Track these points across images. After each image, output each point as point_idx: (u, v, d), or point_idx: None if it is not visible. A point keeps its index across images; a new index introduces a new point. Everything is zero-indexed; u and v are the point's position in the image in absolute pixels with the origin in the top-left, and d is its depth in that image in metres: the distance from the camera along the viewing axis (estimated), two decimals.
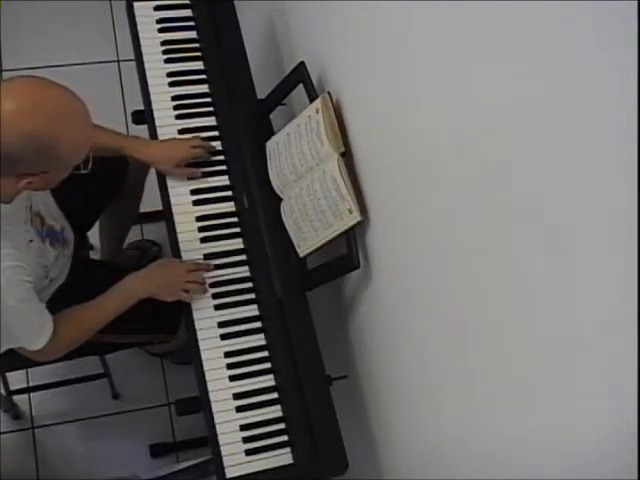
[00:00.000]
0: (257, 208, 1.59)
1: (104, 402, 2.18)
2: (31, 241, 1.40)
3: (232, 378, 1.48)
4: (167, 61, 1.74)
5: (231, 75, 1.71)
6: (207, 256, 1.59)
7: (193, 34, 1.78)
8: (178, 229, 1.60)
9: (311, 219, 1.46)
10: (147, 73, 1.72)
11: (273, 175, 1.57)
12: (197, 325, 1.52)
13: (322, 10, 1.51)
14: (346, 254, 1.41)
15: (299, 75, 1.53)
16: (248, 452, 1.43)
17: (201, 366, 1.48)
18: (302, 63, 1.52)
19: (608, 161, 0.69)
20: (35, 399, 2.16)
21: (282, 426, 1.47)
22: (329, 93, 1.44)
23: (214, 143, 1.68)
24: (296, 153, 1.49)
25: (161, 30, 1.77)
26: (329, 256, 1.48)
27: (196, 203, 1.63)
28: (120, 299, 1.52)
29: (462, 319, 1.09)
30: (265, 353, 1.52)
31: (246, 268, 1.59)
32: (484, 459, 1.09)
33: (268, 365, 1.51)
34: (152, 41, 1.75)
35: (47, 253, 1.48)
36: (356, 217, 1.37)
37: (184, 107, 1.71)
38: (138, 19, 1.77)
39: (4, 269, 1.28)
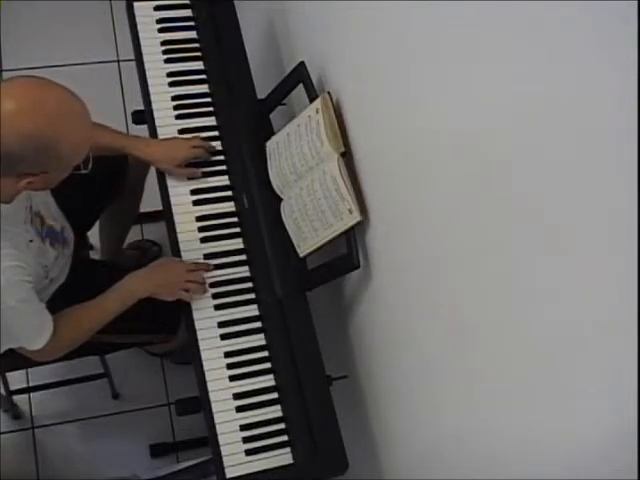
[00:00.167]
0: (257, 208, 1.59)
1: (104, 402, 2.18)
2: (31, 241, 1.40)
3: (232, 378, 1.48)
4: (167, 61, 1.74)
5: (231, 75, 1.71)
6: (207, 256, 1.59)
7: (193, 34, 1.78)
8: (178, 229, 1.60)
9: (311, 219, 1.46)
10: (147, 73, 1.72)
11: (273, 175, 1.57)
12: (197, 325, 1.52)
13: (322, 10, 1.51)
14: (346, 254, 1.41)
15: (299, 75, 1.53)
16: (248, 452, 1.43)
17: (201, 366, 1.48)
18: (302, 63, 1.52)
19: (608, 161, 0.69)
20: (35, 399, 2.16)
21: (282, 426, 1.47)
22: (329, 93, 1.44)
23: (214, 143, 1.69)
24: (296, 153, 1.49)
25: (161, 30, 1.77)
26: (329, 256, 1.48)
27: (196, 203, 1.63)
28: (120, 299, 1.52)
29: (462, 319, 1.09)
30: (265, 353, 1.52)
31: (246, 268, 1.59)
32: (484, 459, 1.09)
33: (268, 365, 1.51)
34: (152, 41, 1.75)
35: (47, 253, 1.48)
36: (356, 217, 1.37)
37: (184, 107, 1.71)
38: (138, 19, 1.77)
39: (4, 269, 1.28)
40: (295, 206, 1.50)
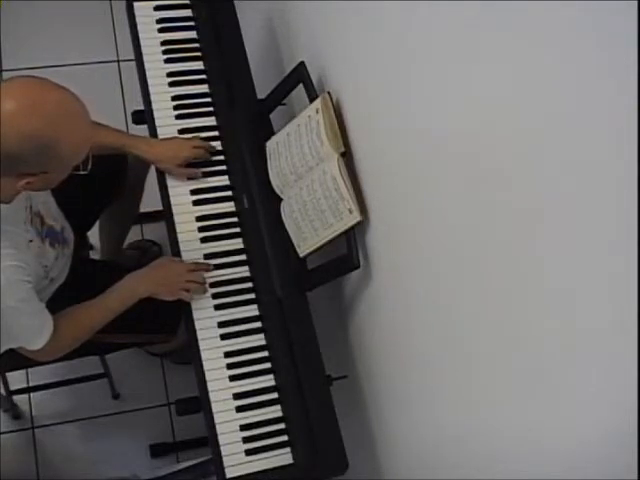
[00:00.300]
0: (257, 208, 1.58)
1: (104, 402, 2.18)
2: (31, 241, 1.40)
3: (232, 378, 1.48)
4: (167, 61, 1.74)
5: (231, 75, 1.71)
6: (207, 256, 1.59)
7: (193, 34, 1.78)
8: (178, 229, 1.60)
9: (311, 219, 1.46)
10: (147, 73, 1.72)
11: (273, 175, 1.57)
12: (197, 325, 1.52)
13: (322, 10, 1.51)
14: (346, 254, 1.41)
15: (299, 75, 1.53)
16: (248, 452, 1.43)
17: (201, 366, 1.48)
18: (302, 63, 1.52)
19: (608, 161, 0.69)
20: (35, 399, 2.16)
21: (282, 426, 1.47)
22: (329, 93, 1.44)
23: (214, 143, 1.69)
24: (296, 153, 1.49)
25: (161, 30, 1.77)
26: (329, 256, 1.48)
27: (196, 203, 1.63)
28: (120, 298, 1.52)
29: (462, 319, 1.09)
30: (265, 353, 1.52)
31: (246, 268, 1.59)
32: (484, 459, 1.09)
33: (268, 365, 1.51)
34: (152, 41, 1.75)
35: (47, 253, 1.48)
36: (356, 217, 1.37)
37: (184, 107, 1.71)
38: (138, 19, 1.77)
39: (4, 269, 1.28)
40: (295, 206, 1.50)
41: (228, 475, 1.41)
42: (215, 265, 1.58)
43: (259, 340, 1.53)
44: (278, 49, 1.92)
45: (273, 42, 1.95)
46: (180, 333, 1.75)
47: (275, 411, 1.48)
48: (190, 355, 1.51)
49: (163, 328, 1.77)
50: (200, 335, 1.51)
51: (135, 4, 1.78)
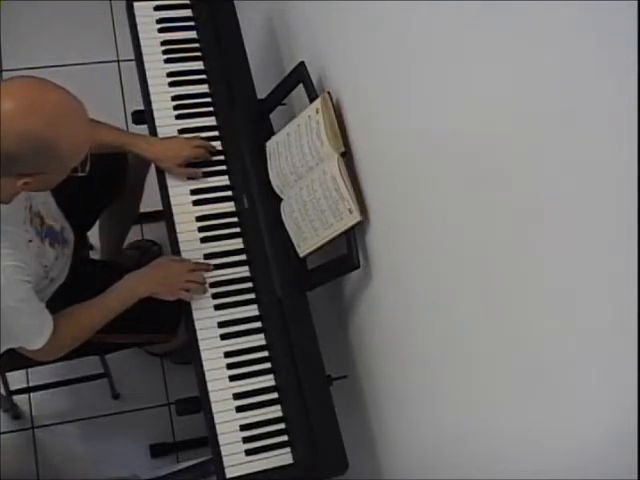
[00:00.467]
0: (257, 208, 1.58)
1: (104, 402, 2.18)
2: (30, 241, 1.40)
3: (232, 378, 1.48)
4: (167, 61, 1.74)
5: (231, 75, 1.71)
6: (207, 256, 1.59)
7: (193, 34, 1.78)
8: (178, 229, 1.60)
9: (311, 219, 1.46)
10: (147, 73, 1.72)
11: (273, 175, 1.57)
12: (197, 325, 1.52)
13: (322, 10, 1.51)
14: (346, 254, 1.41)
15: (299, 75, 1.53)
16: (248, 452, 1.43)
17: (201, 366, 1.48)
18: (302, 63, 1.52)
19: (608, 161, 0.69)
20: (35, 399, 2.16)
21: (282, 426, 1.47)
22: (329, 93, 1.44)
23: (214, 143, 1.69)
24: (296, 153, 1.49)
25: (161, 30, 1.77)
26: (329, 256, 1.48)
27: (196, 203, 1.63)
28: (120, 298, 1.52)
29: (462, 319, 1.09)
30: (265, 353, 1.52)
31: (246, 268, 1.59)
32: (484, 459, 1.09)
33: (268, 365, 1.51)
34: (152, 41, 1.75)
35: (47, 253, 1.48)
36: (356, 217, 1.37)
37: (184, 107, 1.71)
38: (138, 19, 1.77)
39: (4, 269, 1.28)
40: (295, 206, 1.50)
41: (228, 475, 1.41)
42: (215, 265, 1.58)
43: (259, 340, 1.53)
44: (278, 49, 1.92)
45: (273, 42, 1.95)
46: (180, 333, 1.75)
47: (275, 411, 1.48)
48: (190, 355, 1.51)
49: (163, 328, 1.77)
50: (200, 335, 1.51)
51: (135, 4, 1.78)
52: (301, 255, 1.53)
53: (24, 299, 1.35)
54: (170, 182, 1.64)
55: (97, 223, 1.99)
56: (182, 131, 1.68)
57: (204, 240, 1.60)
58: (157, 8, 1.79)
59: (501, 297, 0.96)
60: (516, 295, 0.91)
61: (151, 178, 1.81)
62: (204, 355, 1.50)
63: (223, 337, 1.52)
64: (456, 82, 0.97)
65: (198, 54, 1.77)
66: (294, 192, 1.51)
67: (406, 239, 1.26)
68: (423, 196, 1.15)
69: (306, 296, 1.54)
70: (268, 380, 1.50)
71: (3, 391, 2.04)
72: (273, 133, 1.62)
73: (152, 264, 1.58)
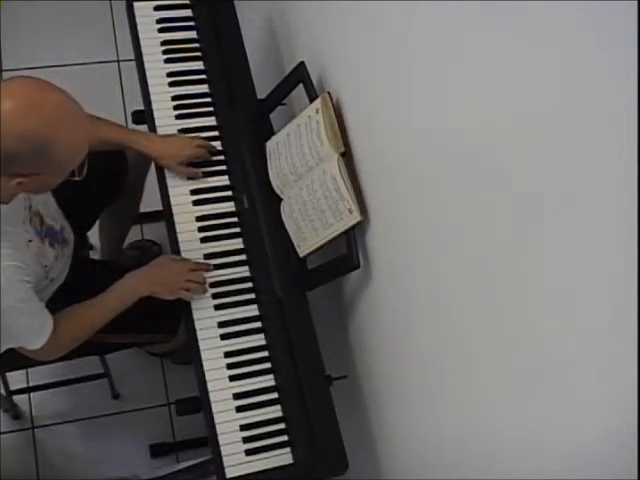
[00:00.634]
0: (257, 208, 1.58)
1: (104, 402, 2.18)
2: (30, 241, 1.40)
3: (232, 378, 1.48)
4: (167, 61, 1.74)
5: (231, 75, 1.71)
6: (207, 256, 1.59)
7: (193, 34, 1.78)
8: (178, 229, 1.60)
9: (311, 219, 1.46)
10: (147, 73, 1.72)
11: (273, 175, 1.57)
12: (197, 325, 1.52)
13: (322, 10, 1.51)
14: (346, 254, 1.41)
15: (299, 75, 1.53)
16: (248, 452, 1.43)
17: (201, 366, 1.48)
18: (302, 63, 1.52)
19: (608, 161, 0.69)
20: (35, 399, 2.16)
21: (282, 426, 1.47)
22: (329, 93, 1.44)
23: (214, 143, 1.69)
24: (296, 153, 1.49)
25: (161, 30, 1.77)
26: (329, 256, 1.48)
27: (196, 203, 1.63)
28: (120, 297, 1.52)
29: (462, 319, 1.09)
30: (265, 353, 1.52)
31: (246, 268, 1.59)
32: (484, 459, 1.09)
33: (268, 365, 1.51)
34: (152, 41, 1.75)
35: (47, 253, 1.48)
36: (356, 217, 1.37)
37: (184, 107, 1.71)
38: (138, 19, 1.77)
39: (3, 269, 1.28)
40: (295, 206, 1.50)
41: (228, 475, 1.41)
42: (215, 265, 1.58)
43: (259, 340, 1.53)
44: (278, 49, 1.93)
45: (273, 42, 1.95)
46: (180, 333, 1.75)
47: (275, 411, 1.48)
48: (190, 355, 1.51)
49: (163, 328, 1.77)
50: (200, 335, 1.51)
51: (135, 4, 1.78)
52: (301, 255, 1.53)
53: (24, 299, 1.35)
54: (170, 182, 1.64)
55: (97, 223, 1.99)
56: (182, 131, 1.68)
57: (204, 240, 1.60)
58: (157, 8, 1.79)
59: (501, 297, 0.96)
60: (516, 295, 0.91)
61: (151, 178, 1.81)
62: (204, 355, 1.50)
63: (223, 337, 1.52)
64: (456, 82, 0.97)
65: (198, 54, 1.77)
66: (294, 192, 1.51)
67: (406, 239, 1.26)
68: (423, 196, 1.15)
69: (306, 296, 1.54)
70: (268, 380, 1.50)
71: (3, 391, 2.04)
72: (273, 133, 1.62)
73: (152, 263, 1.58)
